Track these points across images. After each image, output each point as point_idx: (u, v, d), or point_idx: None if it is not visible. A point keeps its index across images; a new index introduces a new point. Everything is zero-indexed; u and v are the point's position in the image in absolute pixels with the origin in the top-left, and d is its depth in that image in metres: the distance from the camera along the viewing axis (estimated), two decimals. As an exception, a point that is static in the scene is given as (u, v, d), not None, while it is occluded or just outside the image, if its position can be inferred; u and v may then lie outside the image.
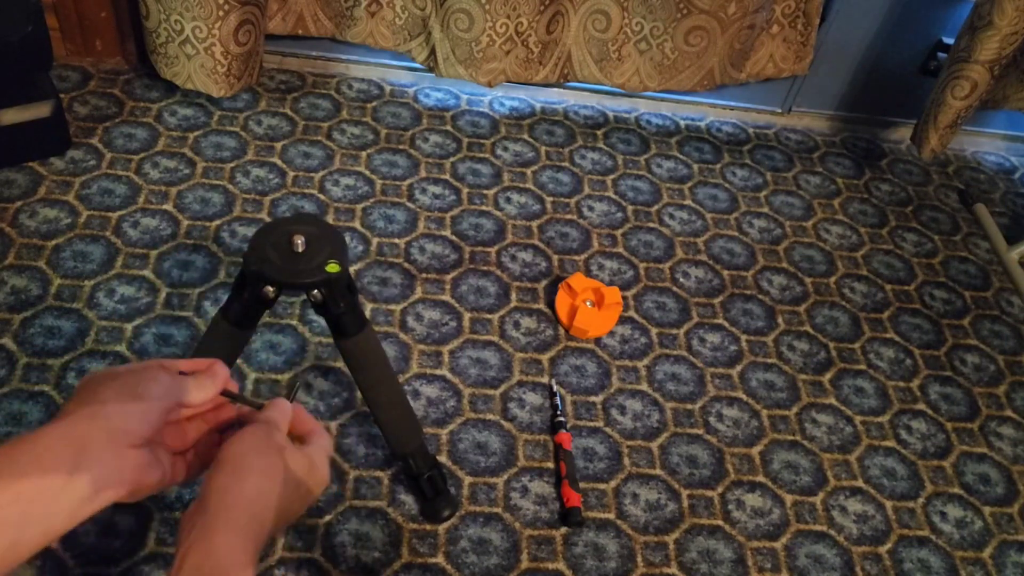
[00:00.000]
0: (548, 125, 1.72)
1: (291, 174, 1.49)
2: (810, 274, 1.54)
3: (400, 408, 1.00)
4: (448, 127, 1.66)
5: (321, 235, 0.78)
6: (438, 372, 1.25)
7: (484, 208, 1.51)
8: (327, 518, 1.07)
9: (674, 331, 1.39)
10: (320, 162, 1.52)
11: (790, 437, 1.28)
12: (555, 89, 1.76)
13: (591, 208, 1.56)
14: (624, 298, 1.41)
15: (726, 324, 1.42)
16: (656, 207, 1.60)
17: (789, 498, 1.21)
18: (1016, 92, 1.72)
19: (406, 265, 1.39)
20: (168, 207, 1.39)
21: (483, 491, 1.13)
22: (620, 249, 1.50)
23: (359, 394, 1.20)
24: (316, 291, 0.80)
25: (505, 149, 1.64)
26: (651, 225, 1.56)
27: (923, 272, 1.60)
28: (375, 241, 1.41)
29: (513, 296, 1.38)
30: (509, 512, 1.12)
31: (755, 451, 1.25)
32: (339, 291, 0.80)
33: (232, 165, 1.49)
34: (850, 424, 1.32)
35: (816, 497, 1.22)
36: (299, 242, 0.75)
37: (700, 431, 1.26)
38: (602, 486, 1.17)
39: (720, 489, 1.20)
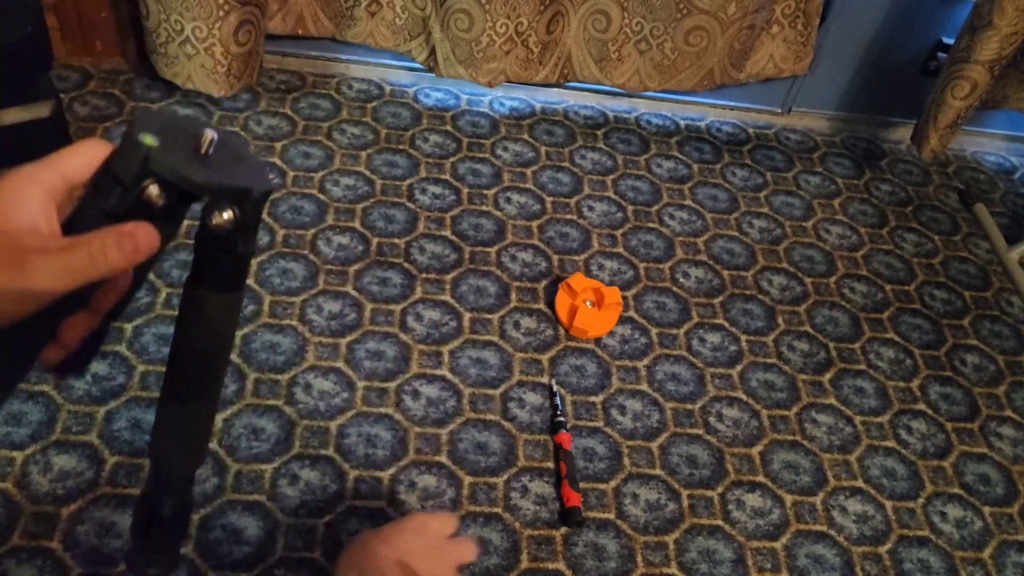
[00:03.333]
0: (548, 125, 1.72)
1: (291, 174, 1.49)
2: (810, 274, 1.54)
3: (202, 416, 0.59)
4: (448, 127, 1.66)
5: (234, 146, 0.50)
6: (438, 372, 1.25)
7: (484, 208, 1.51)
8: (327, 518, 1.07)
9: (674, 331, 1.39)
10: (320, 162, 1.52)
11: (790, 437, 1.28)
12: (555, 89, 1.76)
13: (591, 208, 1.56)
14: (624, 298, 1.41)
15: (726, 324, 1.42)
16: (656, 207, 1.60)
17: (789, 498, 1.21)
18: (1016, 92, 1.72)
19: (406, 265, 1.39)
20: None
21: (483, 491, 1.13)
22: (620, 249, 1.50)
23: (359, 393, 1.20)
24: (229, 209, 0.47)
25: (505, 149, 1.64)
26: (651, 225, 1.56)
27: (923, 272, 1.60)
28: (375, 241, 1.41)
29: (513, 296, 1.38)
30: (509, 512, 1.12)
31: (755, 451, 1.25)
32: (254, 221, 0.50)
33: (232, 165, 1.48)
34: (850, 424, 1.32)
35: (816, 497, 1.22)
36: (208, 139, 0.45)
37: (700, 431, 1.26)
38: (602, 486, 1.17)
39: (720, 489, 1.20)
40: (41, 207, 0.42)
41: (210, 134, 0.44)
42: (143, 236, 0.41)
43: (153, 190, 0.43)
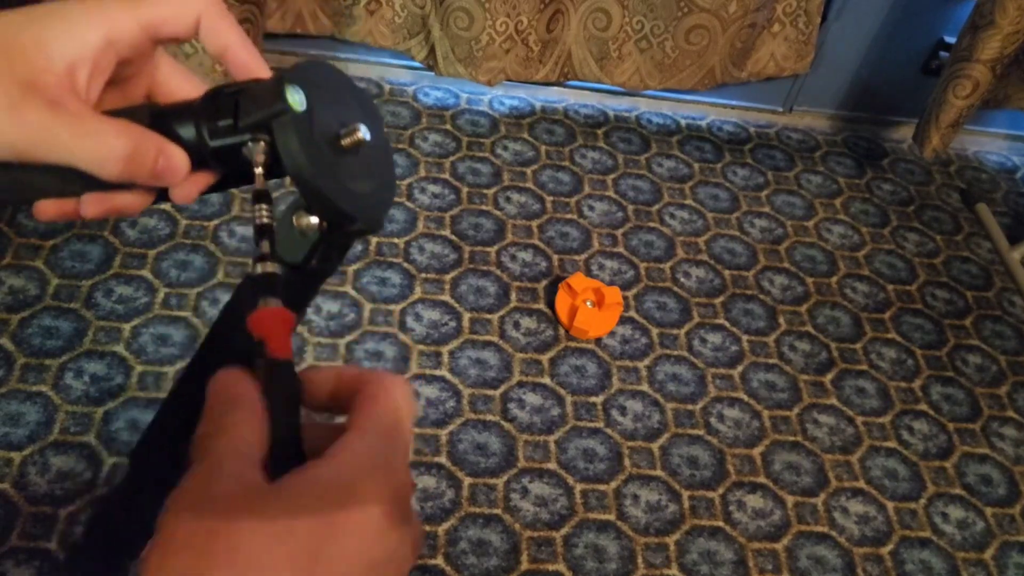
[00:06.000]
0: (548, 124, 1.71)
1: (290, 173, 1.49)
2: (811, 274, 1.53)
3: None
4: (448, 126, 1.65)
5: (382, 155, 0.40)
6: (438, 372, 1.25)
7: (484, 208, 1.51)
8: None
9: (675, 331, 1.38)
10: (319, 161, 1.52)
11: (791, 438, 1.28)
12: (555, 88, 1.76)
13: (591, 208, 1.56)
14: (624, 298, 1.41)
15: (727, 324, 1.41)
16: (657, 206, 1.59)
17: (790, 499, 1.20)
18: (1018, 91, 1.71)
19: (405, 265, 1.38)
20: (166, 207, 1.39)
21: (483, 492, 1.13)
22: (620, 249, 1.50)
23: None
24: (318, 218, 0.37)
25: (505, 148, 1.64)
26: (652, 225, 1.56)
27: (925, 272, 1.59)
28: (374, 241, 1.41)
29: (513, 296, 1.37)
30: (509, 513, 1.11)
31: (756, 452, 1.25)
32: (341, 244, 0.39)
33: (231, 164, 1.48)
34: (851, 425, 1.31)
35: (817, 498, 1.21)
36: (356, 139, 0.35)
37: (701, 432, 1.25)
38: (602, 487, 1.17)
39: (721, 490, 1.19)
40: (90, 55, 0.32)
41: (361, 133, 0.35)
42: (176, 163, 0.34)
43: (258, 149, 0.34)
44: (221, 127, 0.34)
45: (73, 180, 0.34)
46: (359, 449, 0.29)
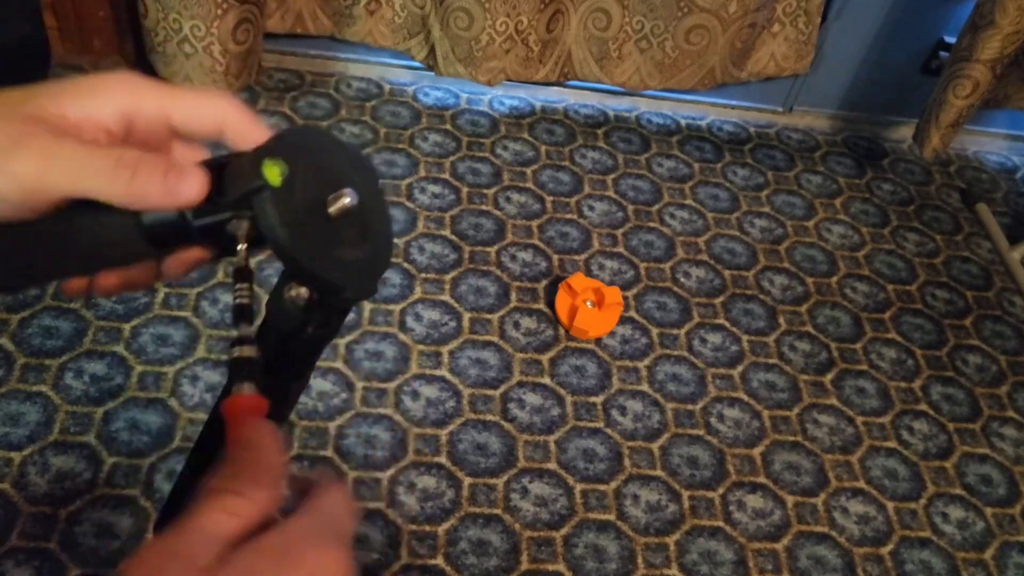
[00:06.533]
0: (548, 124, 1.71)
1: (290, 173, 1.48)
2: (811, 274, 1.53)
3: None
4: (448, 126, 1.65)
5: (371, 215, 0.38)
6: (438, 372, 1.25)
7: (484, 207, 1.51)
8: (326, 519, 1.07)
9: (675, 331, 1.38)
10: (319, 161, 1.52)
11: (791, 438, 1.28)
12: (555, 88, 1.75)
13: (591, 208, 1.56)
14: (625, 298, 1.41)
15: (727, 324, 1.41)
16: (657, 206, 1.59)
17: (790, 499, 1.20)
18: (1018, 91, 1.71)
19: (405, 265, 1.38)
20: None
21: (483, 492, 1.13)
22: (621, 249, 1.50)
23: (358, 394, 1.19)
24: (306, 289, 0.37)
25: (505, 148, 1.64)
26: (652, 225, 1.55)
27: (925, 272, 1.59)
28: (374, 241, 1.41)
29: (513, 296, 1.37)
30: (509, 513, 1.11)
31: (756, 452, 1.25)
32: (338, 310, 0.39)
33: (231, 164, 1.48)
34: (851, 425, 1.31)
35: (817, 498, 1.21)
36: (342, 205, 0.34)
37: (701, 432, 1.25)
38: (602, 487, 1.17)
39: (721, 490, 1.19)
40: (103, 119, 0.33)
41: (347, 200, 0.34)
42: (192, 183, 0.33)
43: (241, 226, 0.33)
44: (203, 206, 0.33)
45: (81, 249, 0.34)
46: (303, 522, 0.31)
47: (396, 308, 1.32)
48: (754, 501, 1.19)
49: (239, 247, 0.34)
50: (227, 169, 0.34)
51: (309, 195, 0.34)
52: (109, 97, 0.33)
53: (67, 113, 0.32)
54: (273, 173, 0.32)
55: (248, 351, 0.33)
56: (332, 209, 0.34)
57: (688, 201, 1.62)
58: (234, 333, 0.35)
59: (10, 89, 0.33)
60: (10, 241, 0.34)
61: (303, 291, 0.35)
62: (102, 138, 0.33)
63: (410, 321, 1.30)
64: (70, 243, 0.34)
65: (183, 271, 0.37)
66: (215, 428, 0.35)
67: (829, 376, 1.37)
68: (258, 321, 0.36)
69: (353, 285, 0.35)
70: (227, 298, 1.25)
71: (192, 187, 0.33)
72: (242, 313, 0.34)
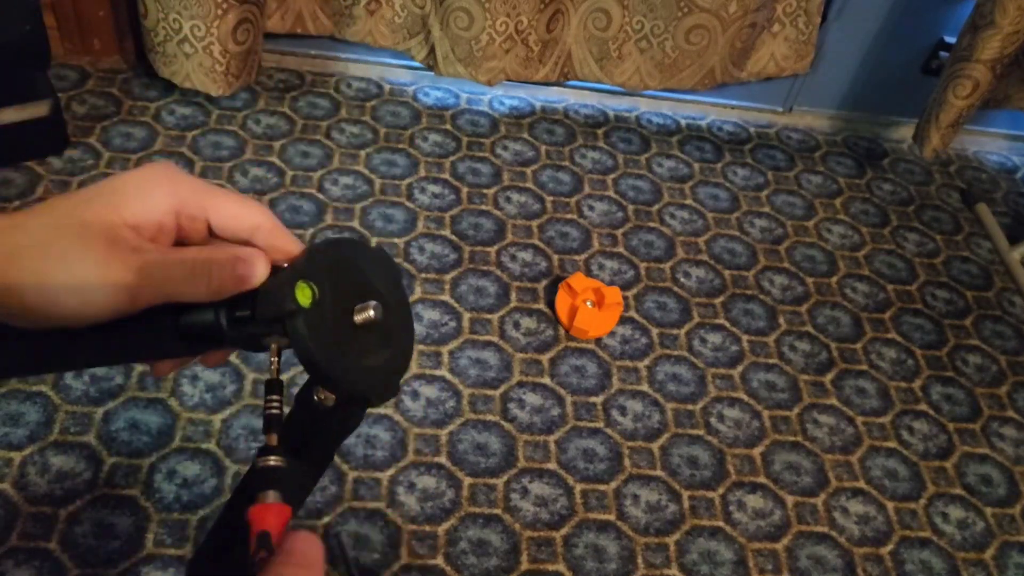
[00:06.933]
0: (548, 124, 1.71)
1: (289, 173, 1.49)
2: (811, 274, 1.53)
3: None
4: (448, 126, 1.65)
5: (395, 319, 0.40)
6: (437, 372, 1.25)
7: (484, 207, 1.51)
8: (326, 519, 1.07)
9: (675, 331, 1.38)
10: (319, 161, 1.52)
11: (791, 438, 1.28)
12: (555, 88, 1.75)
13: (591, 207, 1.56)
14: (625, 298, 1.41)
15: (727, 324, 1.41)
16: (657, 206, 1.59)
17: (790, 499, 1.20)
18: (1018, 91, 1.71)
19: (405, 265, 1.38)
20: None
21: (483, 492, 1.13)
22: (621, 249, 1.50)
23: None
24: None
25: (505, 148, 1.64)
26: (652, 225, 1.55)
27: (925, 272, 1.59)
28: (374, 241, 1.41)
29: (513, 296, 1.37)
30: (509, 513, 1.11)
31: (756, 452, 1.25)
32: (361, 410, 0.42)
33: (230, 164, 1.48)
34: (851, 425, 1.31)
35: (817, 498, 1.21)
36: (366, 316, 0.38)
37: (701, 432, 1.25)
38: (602, 487, 1.16)
39: (721, 490, 1.19)
40: (157, 219, 0.36)
41: (371, 313, 0.37)
42: (258, 266, 0.36)
43: (275, 346, 0.37)
44: (238, 317, 0.37)
45: (161, 342, 0.37)
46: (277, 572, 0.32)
47: (396, 308, 1.32)
48: (754, 501, 1.19)
49: (271, 361, 0.38)
50: (262, 288, 0.36)
51: (337, 310, 0.37)
52: (158, 198, 0.36)
53: (124, 216, 0.35)
54: (305, 295, 0.35)
55: (276, 461, 0.35)
56: (358, 319, 0.37)
57: (688, 201, 1.62)
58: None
59: (62, 197, 0.35)
60: (61, 345, 0.36)
61: (331, 396, 0.39)
62: (159, 236, 0.36)
63: (410, 321, 1.30)
64: (114, 346, 0.37)
65: (213, 363, 0.41)
66: (234, 527, 0.38)
67: (829, 376, 1.37)
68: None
69: (377, 391, 0.39)
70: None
71: (259, 269, 0.36)
72: (272, 423, 0.37)
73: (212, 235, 0.38)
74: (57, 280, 0.33)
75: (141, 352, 0.40)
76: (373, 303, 0.38)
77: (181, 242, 0.37)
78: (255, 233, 0.38)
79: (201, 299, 0.36)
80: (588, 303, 1.34)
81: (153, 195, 0.36)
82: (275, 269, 0.37)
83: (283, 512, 0.34)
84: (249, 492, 0.35)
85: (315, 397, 0.39)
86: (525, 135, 1.67)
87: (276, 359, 0.38)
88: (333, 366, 0.36)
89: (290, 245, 0.38)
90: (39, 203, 0.36)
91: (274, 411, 0.37)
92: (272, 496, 0.34)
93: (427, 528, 1.08)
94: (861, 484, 1.24)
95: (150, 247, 0.35)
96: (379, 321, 0.38)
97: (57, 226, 0.34)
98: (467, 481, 1.13)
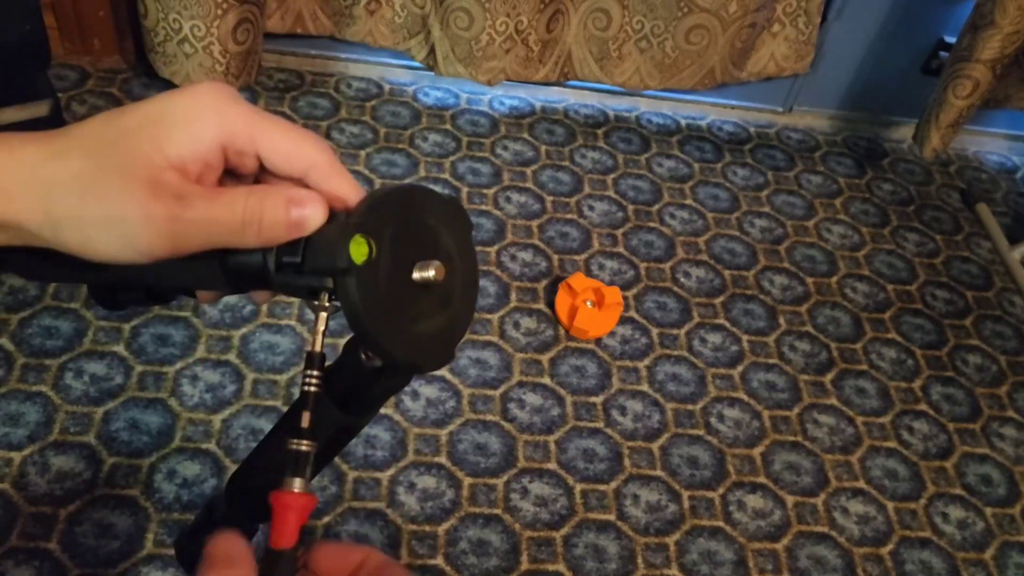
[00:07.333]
0: (548, 124, 1.71)
1: (290, 173, 1.48)
2: (811, 274, 1.53)
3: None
4: (448, 126, 1.65)
5: (455, 281, 0.37)
6: (437, 372, 1.25)
7: (484, 207, 1.51)
8: (326, 520, 1.07)
9: (675, 331, 1.38)
10: (319, 161, 1.52)
11: (791, 438, 1.28)
12: (555, 88, 1.75)
13: (591, 207, 1.56)
14: (625, 298, 1.40)
15: (727, 324, 1.41)
16: (657, 206, 1.59)
17: (790, 499, 1.20)
18: (1018, 91, 1.71)
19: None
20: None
21: (483, 492, 1.13)
22: (621, 249, 1.50)
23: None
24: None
25: (505, 148, 1.63)
26: (652, 225, 1.55)
27: (925, 272, 1.59)
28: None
29: (513, 296, 1.37)
30: (509, 513, 1.11)
31: (756, 452, 1.25)
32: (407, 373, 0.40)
33: (231, 164, 1.48)
34: (852, 425, 1.31)
35: (817, 498, 1.21)
36: (428, 276, 0.34)
37: (701, 432, 1.25)
38: (602, 487, 1.16)
39: (721, 490, 1.19)
40: (203, 156, 0.32)
41: (431, 273, 0.34)
42: (314, 209, 0.33)
43: (323, 312, 0.33)
44: (287, 263, 0.33)
45: (208, 276, 0.35)
46: None
47: (396, 308, 1.32)
48: (754, 501, 1.19)
49: (317, 332, 0.34)
50: (315, 235, 0.33)
51: (395, 267, 0.33)
52: (205, 130, 0.32)
53: (168, 154, 0.32)
54: (360, 251, 0.32)
55: (307, 446, 0.33)
56: (416, 277, 0.34)
57: (688, 201, 1.62)
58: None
59: (106, 120, 0.32)
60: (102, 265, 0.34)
61: (376, 361, 0.36)
62: (206, 174, 0.33)
63: (410, 321, 1.30)
64: (155, 274, 0.34)
65: (262, 301, 0.38)
66: (251, 495, 0.37)
67: (829, 376, 1.37)
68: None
69: (430, 359, 0.35)
70: (230, 298, 1.25)
71: (314, 216, 0.33)
72: (308, 402, 0.34)
73: (263, 169, 0.35)
74: (96, 221, 0.31)
75: (185, 283, 0.37)
76: (435, 262, 0.34)
77: (231, 170, 0.34)
78: (310, 172, 0.34)
79: (250, 247, 0.33)
80: (588, 303, 1.34)
81: (201, 128, 0.32)
82: (331, 215, 0.33)
83: (308, 503, 0.33)
84: (272, 474, 0.33)
85: (362, 355, 0.37)
86: (525, 135, 1.67)
87: (323, 327, 0.34)
88: (383, 333, 0.33)
89: (348, 189, 0.34)
90: (80, 123, 0.33)
91: (312, 388, 0.34)
92: (298, 484, 0.33)
93: (427, 528, 1.08)
94: (861, 484, 1.24)
95: (196, 192, 0.32)
96: (440, 282, 0.34)
97: (98, 161, 0.31)
98: (467, 481, 1.13)
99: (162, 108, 0.32)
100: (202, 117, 0.32)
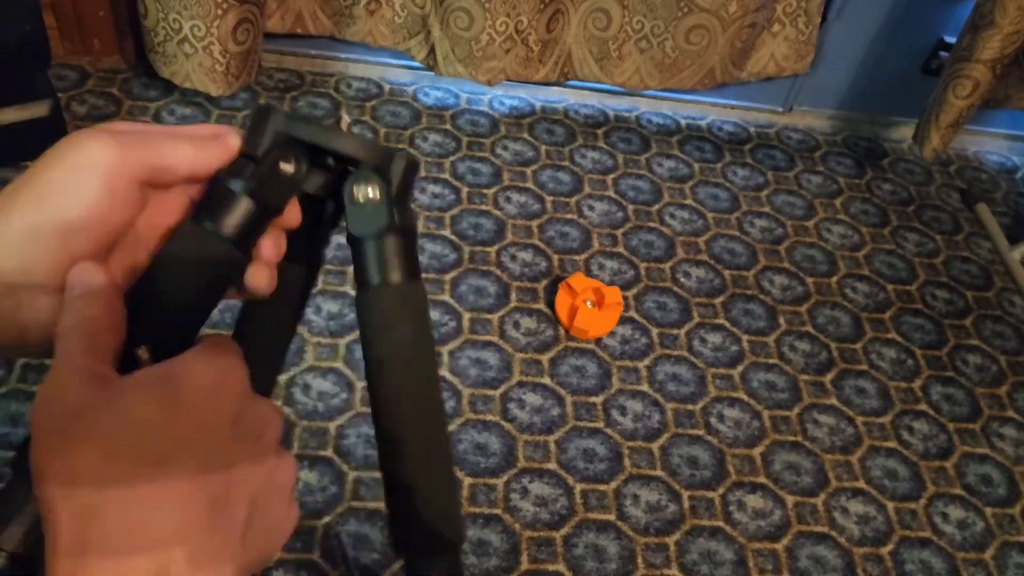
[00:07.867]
0: (548, 124, 1.71)
1: (290, 173, 1.48)
2: (811, 274, 1.53)
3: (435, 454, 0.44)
4: (447, 126, 1.65)
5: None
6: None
7: (484, 207, 1.51)
8: (326, 519, 1.07)
9: (675, 331, 1.38)
10: (319, 161, 1.52)
11: (791, 438, 1.28)
12: (555, 88, 1.75)
13: (591, 207, 1.56)
14: (625, 298, 1.41)
15: (727, 324, 1.41)
16: (657, 206, 1.59)
17: (790, 499, 1.20)
18: (1018, 91, 1.71)
19: (405, 265, 1.38)
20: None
21: (483, 492, 1.13)
22: (621, 249, 1.50)
23: (358, 394, 1.19)
24: (374, 183, 0.38)
25: (505, 148, 1.64)
26: (652, 225, 1.55)
27: (925, 272, 1.59)
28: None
29: (513, 296, 1.37)
30: (509, 513, 1.11)
31: (756, 452, 1.25)
32: (404, 192, 0.40)
33: (231, 164, 1.48)
34: (852, 425, 1.31)
35: (817, 498, 1.21)
36: (348, 121, 0.39)
37: (701, 432, 1.25)
38: (602, 487, 1.17)
39: (721, 490, 1.19)
40: (99, 216, 0.32)
41: (347, 117, 0.41)
42: (227, 133, 0.36)
43: (286, 163, 0.37)
44: (249, 171, 0.37)
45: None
46: (196, 356, 0.32)
47: (396, 308, 1.31)
48: (754, 501, 1.19)
49: (289, 171, 0.38)
50: (243, 144, 0.37)
51: (314, 126, 0.39)
52: (87, 193, 0.33)
53: (65, 214, 0.33)
54: (280, 110, 0.38)
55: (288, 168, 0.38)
56: (343, 126, 0.39)
57: (688, 201, 1.62)
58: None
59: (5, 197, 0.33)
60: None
61: (371, 190, 0.38)
62: (120, 213, 0.34)
63: (410, 321, 1.30)
64: (185, 280, 0.37)
65: (274, 255, 0.38)
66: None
67: (829, 376, 1.37)
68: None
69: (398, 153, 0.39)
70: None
71: (228, 137, 0.36)
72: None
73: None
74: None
75: (211, 286, 0.39)
76: (344, 114, 0.42)
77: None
78: (224, 161, 0.37)
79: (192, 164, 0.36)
80: (588, 303, 1.34)
81: (83, 192, 0.32)
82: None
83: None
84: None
85: (355, 199, 0.39)
86: (525, 135, 1.67)
87: (293, 169, 0.38)
88: (343, 139, 0.38)
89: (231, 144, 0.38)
90: None
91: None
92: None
93: (427, 528, 1.08)
94: (861, 484, 1.24)
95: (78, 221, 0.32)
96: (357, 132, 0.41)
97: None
98: (467, 481, 1.13)
99: (40, 189, 0.32)
100: (78, 183, 0.32)
